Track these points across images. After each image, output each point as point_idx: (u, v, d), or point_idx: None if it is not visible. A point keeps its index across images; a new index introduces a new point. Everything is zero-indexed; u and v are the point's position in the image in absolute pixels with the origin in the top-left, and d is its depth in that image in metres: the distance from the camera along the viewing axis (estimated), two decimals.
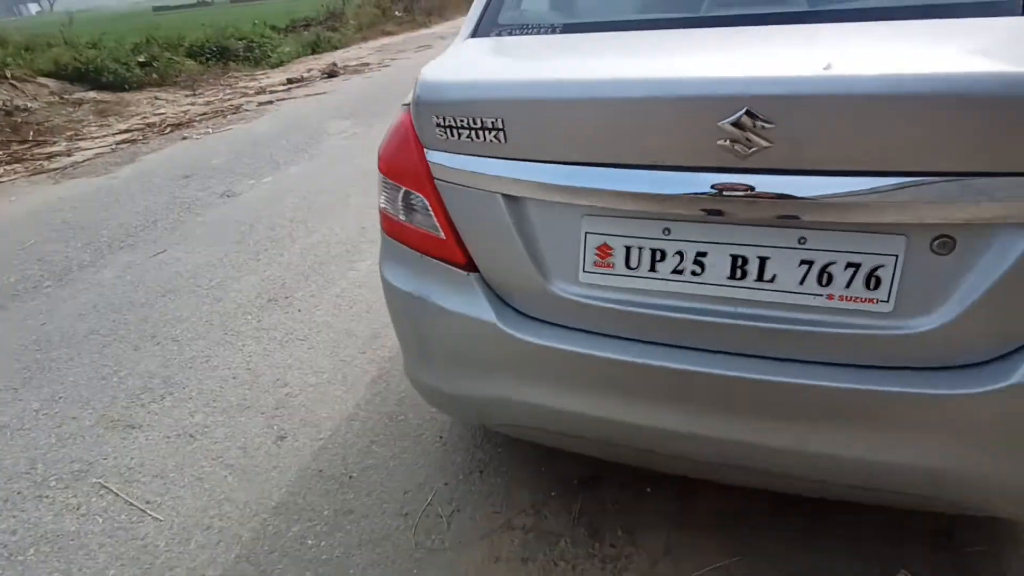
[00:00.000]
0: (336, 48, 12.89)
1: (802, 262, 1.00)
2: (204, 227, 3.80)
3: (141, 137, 6.46)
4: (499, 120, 1.08)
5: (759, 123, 0.91)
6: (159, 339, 2.64)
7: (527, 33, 1.40)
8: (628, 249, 1.10)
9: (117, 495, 1.86)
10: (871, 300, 0.99)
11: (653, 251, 1.08)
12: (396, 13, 16.84)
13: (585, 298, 1.15)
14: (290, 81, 9.08)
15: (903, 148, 0.89)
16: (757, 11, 1.27)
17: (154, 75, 9.22)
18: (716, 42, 1.20)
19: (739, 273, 1.04)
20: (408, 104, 1.29)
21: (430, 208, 1.25)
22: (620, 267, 1.12)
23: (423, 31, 15.43)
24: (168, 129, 6.71)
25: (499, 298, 1.26)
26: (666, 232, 1.07)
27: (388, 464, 1.89)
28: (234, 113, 7.22)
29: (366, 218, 3.68)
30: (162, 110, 7.85)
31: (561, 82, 1.07)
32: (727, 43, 1.19)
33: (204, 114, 7.33)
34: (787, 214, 0.97)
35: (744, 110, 0.91)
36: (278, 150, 5.29)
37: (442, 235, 1.26)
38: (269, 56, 11.52)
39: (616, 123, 1.03)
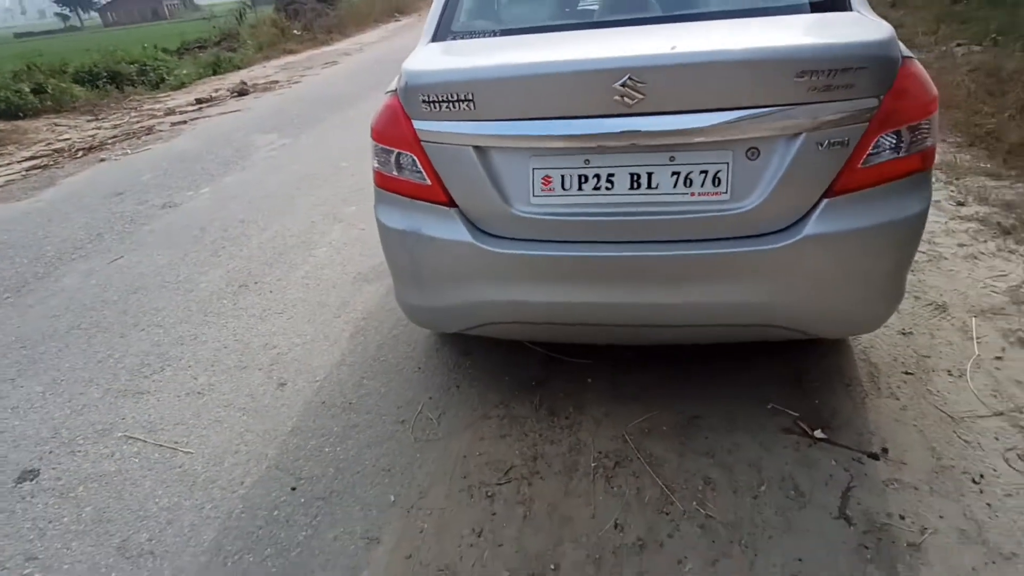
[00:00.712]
0: (239, 68, 12.80)
1: (673, 173, 1.56)
2: (154, 235, 4.00)
3: (52, 163, 6.36)
4: (470, 94, 1.57)
5: (637, 83, 1.46)
6: (143, 326, 2.90)
7: (475, 37, 1.91)
8: (563, 176, 1.62)
9: (146, 442, 2.17)
10: (716, 193, 1.56)
11: (579, 176, 1.61)
12: (295, 32, 16.84)
13: (536, 215, 1.67)
14: (199, 101, 9.06)
15: (723, 94, 1.47)
16: (630, 17, 1.89)
17: (48, 102, 8.95)
18: (606, 37, 1.77)
19: (636, 185, 1.59)
20: (392, 91, 1.77)
21: (418, 163, 1.72)
22: (558, 190, 1.64)
23: (325, 48, 15.52)
24: (80, 153, 6.63)
25: (473, 225, 1.74)
26: (586, 162, 1.60)
27: (380, 391, 2.31)
28: (148, 134, 7.21)
29: (315, 214, 4.03)
30: (66, 136, 7.66)
31: (511, 65, 1.59)
32: (613, 37, 1.76)
33: (115, 137, 7.26)
34: (660, 142, 1.53)
35: (628, 76, 1.46)
36: (208, 164, 5.47)
37: (428, 182, 1.73)
38: (166, 79, 11.35)
39: (548, 90, 1.55)
